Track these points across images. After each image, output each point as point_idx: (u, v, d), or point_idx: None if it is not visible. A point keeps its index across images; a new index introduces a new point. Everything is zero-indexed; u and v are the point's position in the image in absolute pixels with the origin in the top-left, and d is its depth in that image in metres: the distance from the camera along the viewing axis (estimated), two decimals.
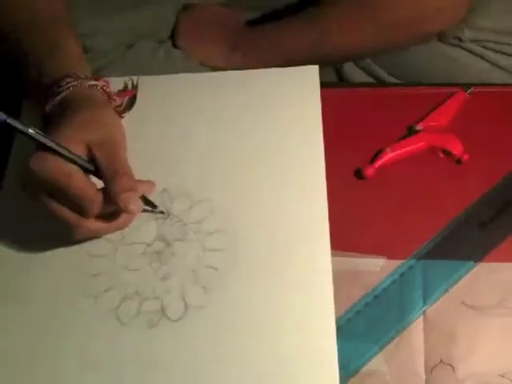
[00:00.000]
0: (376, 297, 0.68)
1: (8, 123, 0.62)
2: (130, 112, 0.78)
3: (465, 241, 0.70)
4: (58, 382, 0.65)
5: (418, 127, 0.78)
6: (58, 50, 0.73)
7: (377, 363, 0.64)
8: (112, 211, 0.67)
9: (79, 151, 0.65)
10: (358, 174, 0.75)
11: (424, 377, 0.63)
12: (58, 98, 0.69)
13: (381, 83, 0.91)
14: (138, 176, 0.68)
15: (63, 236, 0.68)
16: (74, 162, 0.65)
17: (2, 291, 0.70)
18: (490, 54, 0.86)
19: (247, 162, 0.75)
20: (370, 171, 0.75)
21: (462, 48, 0.87)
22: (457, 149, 0.76)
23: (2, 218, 0.73)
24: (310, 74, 0.79)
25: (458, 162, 0.76)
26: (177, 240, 0.71)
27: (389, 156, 0.76)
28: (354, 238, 0.71)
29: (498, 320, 0.65)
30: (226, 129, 0.78)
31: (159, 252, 0.71)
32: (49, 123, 0.68)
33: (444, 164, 0.76)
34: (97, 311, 0.68)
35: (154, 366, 0.65)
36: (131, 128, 0.73)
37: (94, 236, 0.69)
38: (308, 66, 0.80)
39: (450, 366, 0.63)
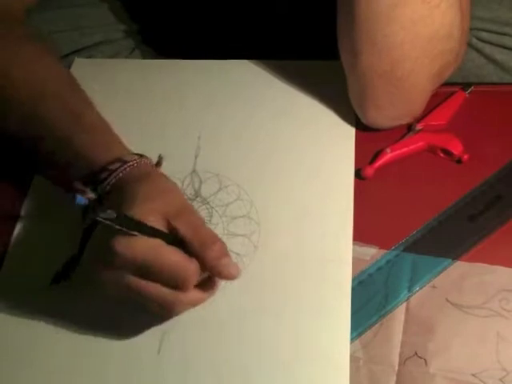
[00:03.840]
0: (361, 282, 0.69)
1: (87, 205, 0.60)
2: (168, 96, 0.82)
3: (454, 233, 0.71)
4: (76, 349, 0.67)
5: (418, 127, 0.78)
6: (88, 127, 0.71)
7: (353, 348, 0.65)
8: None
9: (160, 225, 0.62)
10: (358, 174, 0.75)
11: (396, 367, 0.64)
12: (112, 180, 0.66)
13: None
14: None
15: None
16: (160, 238, 0.61)
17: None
18: (486, 47, 0.85)
19: (279, 152, 0.77)
20: (369, 171, 0.75)
21: None
22: (457, 148, 0.76)
23: None
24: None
25: (458, 161, 0.76)
26: None
27: (388, 156, 0.76)
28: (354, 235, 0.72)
29: (478, 320, 0.65)
30: (260, 116, 0.80)
31: None
32: (110, 201, 0.65)
33: (444, 164, 0.76)
34: None
35: (172, 341, 0.66)
36: (164, 107, 0.77)
37: (192, 308, 0.64)
38: None
39: (424, 359, 0.64)
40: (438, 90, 0.78)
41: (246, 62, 0.85)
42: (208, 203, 0.74)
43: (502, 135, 0.77)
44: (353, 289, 0.68)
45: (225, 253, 0.63)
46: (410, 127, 0.78)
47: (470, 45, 0.84)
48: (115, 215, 0.59)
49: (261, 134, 0.79)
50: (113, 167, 0.66)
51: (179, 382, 0.65)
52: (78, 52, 0.89)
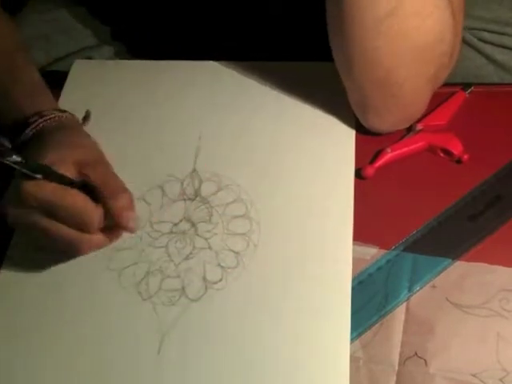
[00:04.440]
0: (361, 282, 0.69)
1: None
2: (168, 96, 0.83)
3: (454, 233, 0.71)
4: (77, 349, 0.67)
5: (418, 127, 0.78)
6: (21, 82, 0.76)
7: (353, 348, 0.65)
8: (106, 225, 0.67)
9: (69, 172, 0.66)
10: (358, 174, 0.75)
11: (396, 367, 0.64)
12: (29, 133, 0.71)
13: None
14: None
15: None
16: (67, 183, 0.65)
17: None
18: (487, 47, 0.85)
19: (279, 152, 0.78)
20: (369, 171, 0.75)
21: None
22: (457, 148, 0.76)
23: None
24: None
25: (458, 161, 0.76)
26: (202, 222, 0.73)
27: (389, 156, 0.76)
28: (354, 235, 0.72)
29: (478, 320, 0.65)
30: (261, 116, 0.81)
31: (184, 232, 0.72)
32: (27, 150, 0.70)
33: (444, 164, 0.76)
34: (119, 284, 0.70)
35: (172, 341, 0.66)
36: (164, 108, 0.79)
37: (97, 249, 0.69)
38: None
39: (424, 359, 0.64)
40: (438, 90, 0.78)
41: (246, 62, 0.85)
42: (208, 203, 0.74)
43: (502, 135, 0.77)
44: (353, 289, 0.68)
45: (130, 206, 0.67)
46: (410, 127, 0.78)
47: (470, 45, 0.84)
48: (20, 159, 0.63)
49: (261, 134, 0.79)
50: (31, 120, 0.72)
51: (179, 381, 0.65)
52: (76, 53, 0.89)
